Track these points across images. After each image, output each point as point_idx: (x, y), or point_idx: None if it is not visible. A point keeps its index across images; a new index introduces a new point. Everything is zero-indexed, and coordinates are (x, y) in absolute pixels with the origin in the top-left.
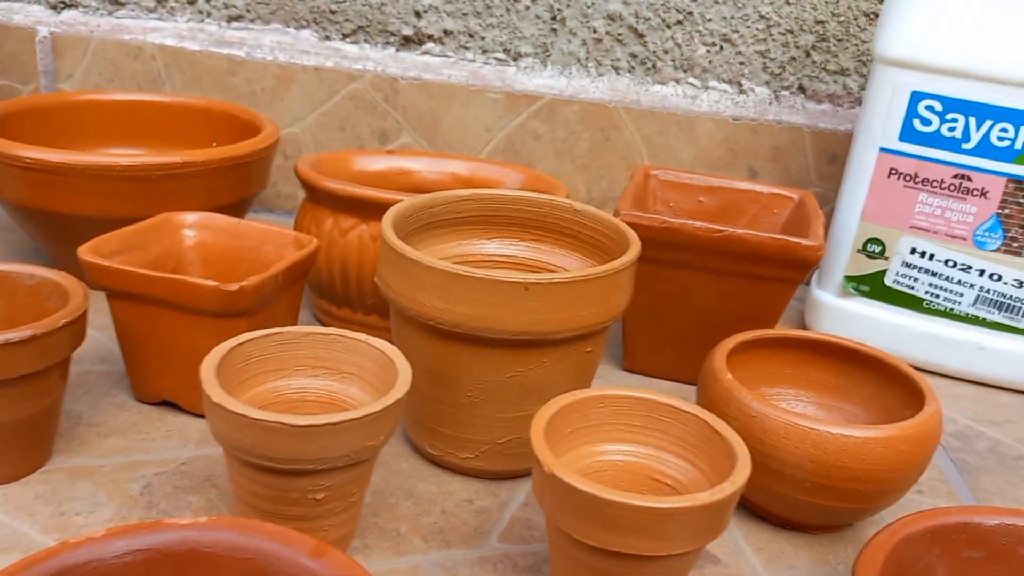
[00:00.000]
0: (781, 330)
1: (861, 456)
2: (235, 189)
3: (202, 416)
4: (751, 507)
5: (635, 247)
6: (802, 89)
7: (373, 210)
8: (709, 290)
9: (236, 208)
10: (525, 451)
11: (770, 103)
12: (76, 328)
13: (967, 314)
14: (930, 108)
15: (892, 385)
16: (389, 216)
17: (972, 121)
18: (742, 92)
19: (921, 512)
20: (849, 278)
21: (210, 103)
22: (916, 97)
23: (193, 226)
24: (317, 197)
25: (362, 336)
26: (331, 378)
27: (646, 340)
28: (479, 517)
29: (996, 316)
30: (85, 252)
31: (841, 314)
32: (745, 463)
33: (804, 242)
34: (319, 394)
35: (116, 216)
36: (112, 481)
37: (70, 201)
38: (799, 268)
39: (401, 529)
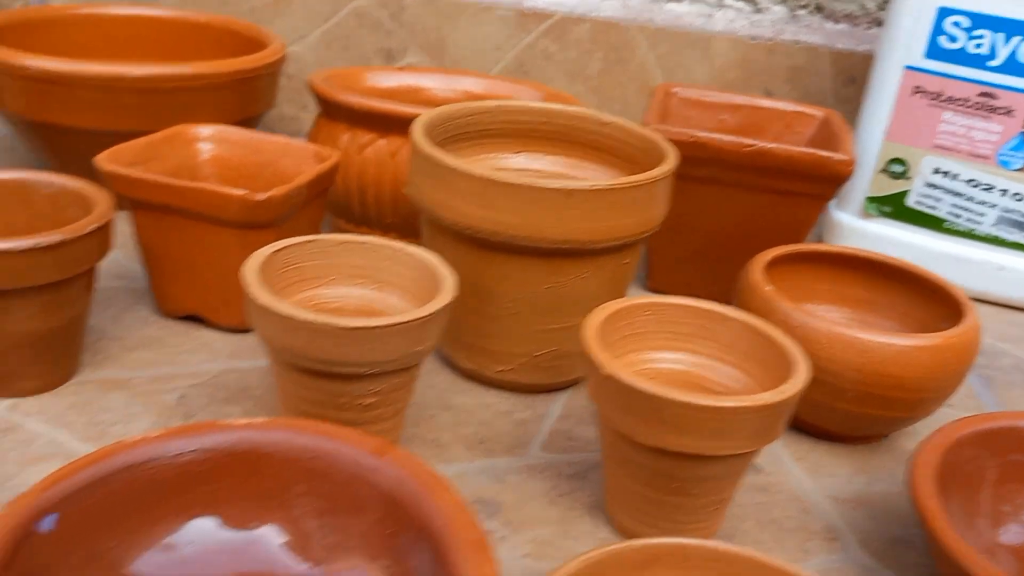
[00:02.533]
0: (815, 245)
1: (906, 364)
2: (243, 106)
3: (228, 330)
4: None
5: (672, 157)
6: (819, 8)
7: (391, 125)
8: (737, 206)
9: (243, 127)
10: (561, 364)
11: (787, 22)
12: (102, 236)
13: (988, 235)
14: (957, 24)
15: (925, 299)
16: (419, 124)
17: (999, 37)
18: (758, 11)
19: (970, 417)
20: (871, 199)
21: (211, 18)
22: (943, 13)
23: (208, 139)
24: (332, 112)
25: (399, 244)
26: (369, 287)
27: (671, 258)
28: (519, 428)
29: (1017, 236)
30: (105, 161)
31: (862, 235)
32: (804, 366)
33: (836, 156)
34: (358, 303)
35: (122, 130)
36: (145, 393)
37: (75, 114)
38: (830, 183)
39: (443, 439)
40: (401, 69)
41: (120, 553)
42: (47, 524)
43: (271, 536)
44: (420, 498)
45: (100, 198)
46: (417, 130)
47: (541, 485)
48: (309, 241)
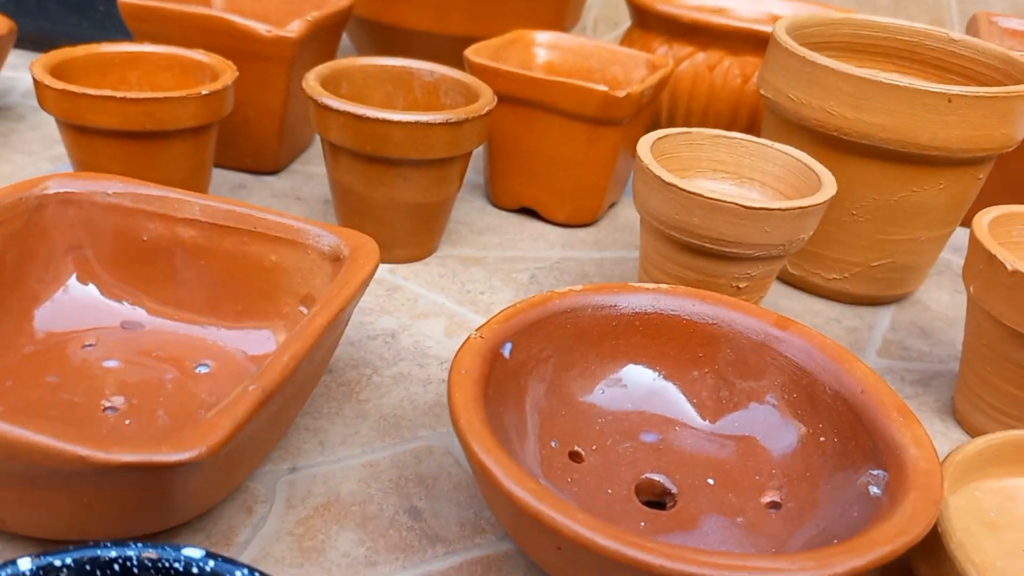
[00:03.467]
0: None
1: None
2: (557, 19)
3: (558, 224)
4: None
5: None
6: None
7: (712, 37)
8: None
9: None
10: (893, 276)
11: None
12: (484, 123)
13: None
14: None
15: None
16: (781, 26)
17: None
18: None
19: None
20: None
21: None
22: None
23: (544, 44)
24: (648, 23)
25: (767, 141)
26: (730, 180)
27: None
28: (851, 335)
29: None
30: (472, 54)
31: None
32: None
33: None
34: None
35: (446, 33)
36: (499, 270)
37: (413, 16)
38: None
39: None
40: None
41: (573, 385)
42: (507, 350)
43: (672, 390)
44: (831, 367)
45: (482, 89)
46: (780, 31)
47: None
48: (684, 133)
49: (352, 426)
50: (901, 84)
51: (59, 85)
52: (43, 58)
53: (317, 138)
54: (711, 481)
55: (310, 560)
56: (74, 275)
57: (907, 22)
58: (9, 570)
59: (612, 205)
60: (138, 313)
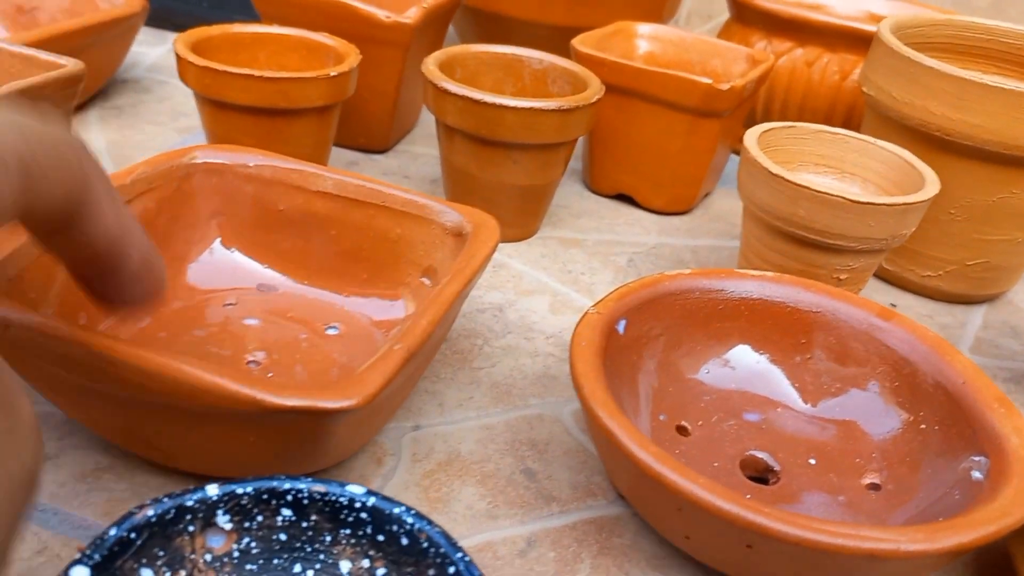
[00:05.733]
0: None
1: None
2: (656, 11)
3: (655, 211)
4: None
5: None
6: None
7: (812, 33)
8: None
9: None
10: (988, 276)
11: None
12: (593, 111)
13: None
14: None
15: None
16: (886, 26)
17: None
18: None
19: None
20: None
21: None
22: None
23: (645, 36)
24: (747, 17)
25: (871, 138)
26: (832, 175)
27: None
28: (943, 331)
29: None
30: (579, 44)
31: None
32: None
33: None
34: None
35: (548, 23)
36: (598, 253)
37: (513, 3)
38: None
39: None
40: None
41: (681, 363)
42: (621, 327)
43: (776, 373)
44: (933, 358)
45: (589, 77)
46: (885, 31)
47: None
48: (788, 126)
49: (467, 391)
50: (1004, 87)
51: (201, 62)
52: (183, 36)
53: (421, 120)
54: (812, 461)
55: (437, 510)
56: (218, 239)
57: (1010, 24)
58: (199, 495)
59: (706, 195)
60: (273, 277)
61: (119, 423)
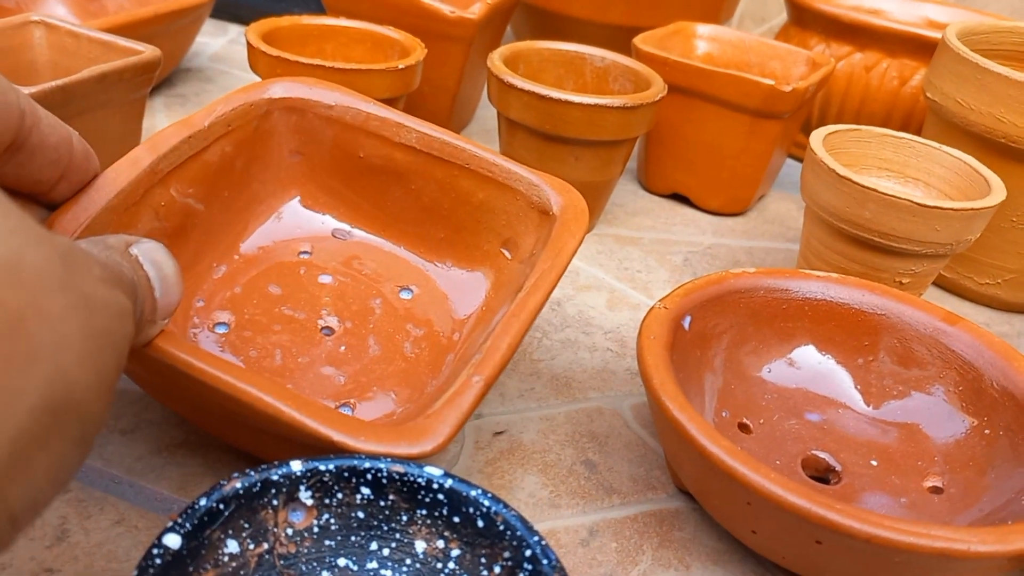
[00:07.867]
0: None
1: None
2: (714, 12)
3: (711, 212)
4: None
5: None
6: None
7: (871, 38)
8: None
9: None
10: None
11: None
12: (654, 110)
13: None
14: None
15: None
16: (952, 31)
17: None
18: None
19: None
20: None
21: None
22: None
23: (704, 37)
24: (806, 20)
25: (935, 143)
26: (895, 179)
27: None
28: None
29: None
30: (641, 42)
31: None
32: None
33: None
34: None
35: (606, 22)
36: (654, 252)
37: (573, 2)
38: None
39: None
40: None
41: (745, 361)
42: (686, 323)
43: (839, 373)
44: (999, 363)
45: (652, 76)
46: (951, 36)
47: None
48: (852, 129)
49: (528, 382)
50: None
51: (273, 52)
52: (255, 26)
53: (477, 115)
54: (874, 463)
55: (500, 497)
56: (295, 183)
57: None
58: (284, 469)
59: (761, 197)
60: (349, 225)
61: (199, 418)
